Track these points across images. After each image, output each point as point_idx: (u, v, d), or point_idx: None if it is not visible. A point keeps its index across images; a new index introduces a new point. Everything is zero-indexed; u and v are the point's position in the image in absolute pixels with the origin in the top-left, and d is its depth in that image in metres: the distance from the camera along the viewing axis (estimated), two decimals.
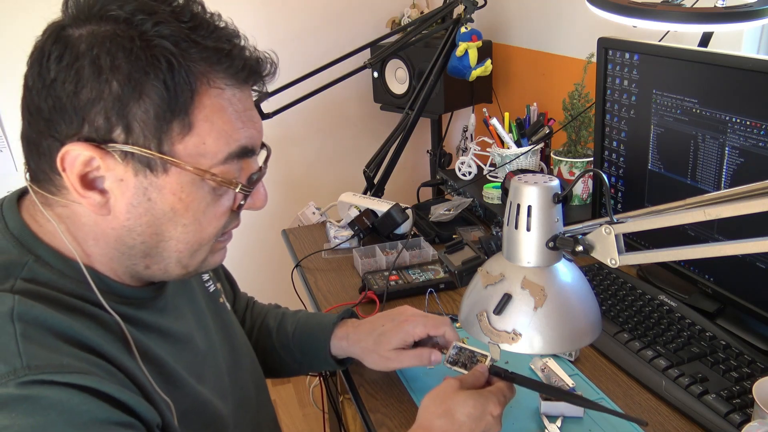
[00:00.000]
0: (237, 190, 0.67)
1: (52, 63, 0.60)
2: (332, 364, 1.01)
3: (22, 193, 0.70)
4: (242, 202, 0.69)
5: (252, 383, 0.91)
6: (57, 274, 0.65)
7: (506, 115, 1.62)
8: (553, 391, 0.85)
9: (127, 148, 0.61)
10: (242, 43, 0.67)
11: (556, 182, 0.66)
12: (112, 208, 0.64)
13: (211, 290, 0.91)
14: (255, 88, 0.70)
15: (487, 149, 1.67)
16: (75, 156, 0.61)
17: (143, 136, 0.61)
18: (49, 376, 0.55)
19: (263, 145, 0.72)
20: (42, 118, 0.62)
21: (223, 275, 1.03)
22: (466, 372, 0.86)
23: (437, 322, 0.95)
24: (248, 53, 0.67)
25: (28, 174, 0.68)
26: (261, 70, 0.68)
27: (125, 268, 0.69)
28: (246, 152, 0.67)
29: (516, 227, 0.67)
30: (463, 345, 0.92)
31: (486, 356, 0.88)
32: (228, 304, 0.94)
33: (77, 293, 0.65)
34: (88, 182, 0.62)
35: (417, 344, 0.96)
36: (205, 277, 0.92)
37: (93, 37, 0.60)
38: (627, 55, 1.14)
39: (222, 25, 0.66)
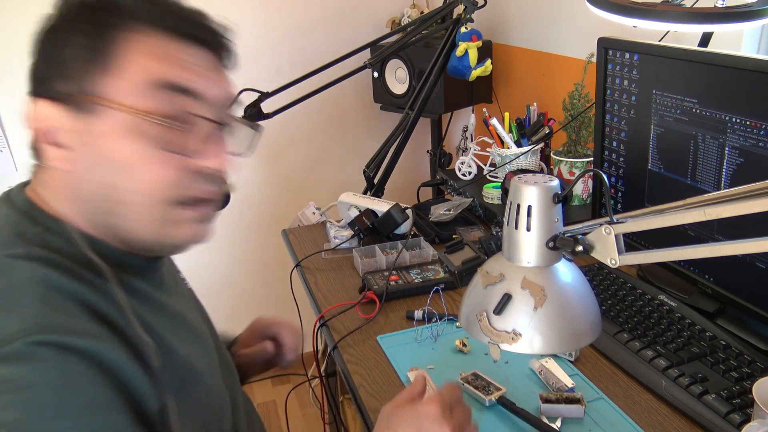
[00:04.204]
0: (155, 121, 0.63)
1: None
2: None
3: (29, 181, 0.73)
4: (191, 156, 0.66)
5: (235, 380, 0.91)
6: (65, 242, 0.66)
7: (506, 115, 1.62)
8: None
9: (63, 88, 0.64)
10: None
11: (556, 182, 0.66)
12: (73, 161, 0.66)
13: (188, 286, 0.91)
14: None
15: (487, 149, 1.67)
16: (36, 112, 0.65)
17: (76, 80, 0.64)
18: (58, 337, 0.56)
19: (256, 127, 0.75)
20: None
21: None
22: (476, 391, 0.93)
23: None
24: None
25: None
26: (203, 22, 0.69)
27: (103, 228, 0.69)
28: (176, 88, 0.65)
29: (516, 227, 0.67)
30: (481, 374, 0.97)
31: (500, 389, 0.93)
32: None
33: (84, 261, 0.66)
34: (53, 139, 0.65)
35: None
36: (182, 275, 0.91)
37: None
38: (627, 55, 1.14)
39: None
